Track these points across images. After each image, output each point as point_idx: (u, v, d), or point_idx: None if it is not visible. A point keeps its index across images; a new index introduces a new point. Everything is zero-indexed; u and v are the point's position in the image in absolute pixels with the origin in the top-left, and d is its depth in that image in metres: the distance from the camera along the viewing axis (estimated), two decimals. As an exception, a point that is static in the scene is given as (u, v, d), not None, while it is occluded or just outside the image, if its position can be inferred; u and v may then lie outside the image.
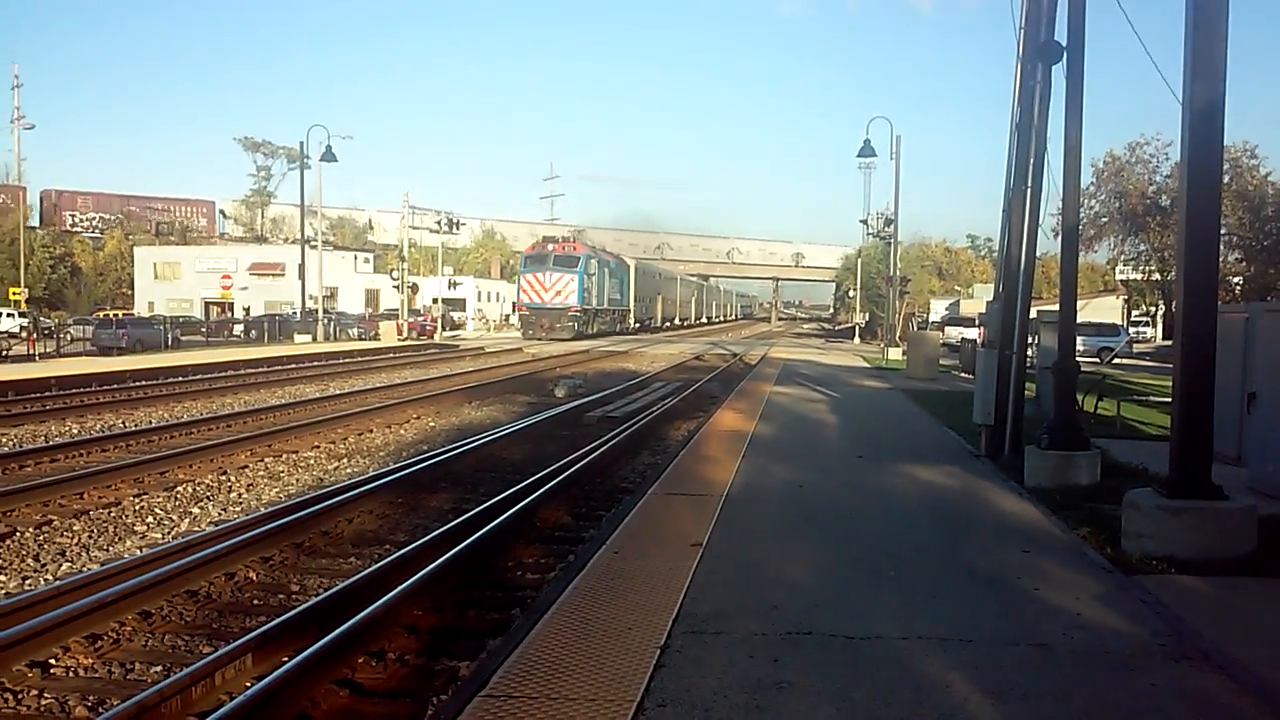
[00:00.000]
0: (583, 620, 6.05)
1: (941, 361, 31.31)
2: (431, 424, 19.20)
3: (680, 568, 7.23)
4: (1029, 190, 12.73)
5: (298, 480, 13.21)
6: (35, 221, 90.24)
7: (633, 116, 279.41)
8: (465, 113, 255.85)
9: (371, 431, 17.77)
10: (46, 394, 22.82)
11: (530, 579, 8.49)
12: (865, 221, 57.23)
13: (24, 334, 43.05)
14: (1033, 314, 14.70)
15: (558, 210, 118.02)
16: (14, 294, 63.92)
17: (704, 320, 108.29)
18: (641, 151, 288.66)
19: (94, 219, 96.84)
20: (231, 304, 73.82)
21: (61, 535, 10.10)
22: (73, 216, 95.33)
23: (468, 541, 8.61)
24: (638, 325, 73.91)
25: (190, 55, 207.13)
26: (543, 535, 9.92)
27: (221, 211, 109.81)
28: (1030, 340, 16.50)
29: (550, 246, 58.67)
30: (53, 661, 6.47)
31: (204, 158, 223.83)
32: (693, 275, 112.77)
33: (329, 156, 50.87)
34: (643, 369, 34.62)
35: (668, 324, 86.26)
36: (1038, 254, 13.75)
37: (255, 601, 7.92)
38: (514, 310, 63.84)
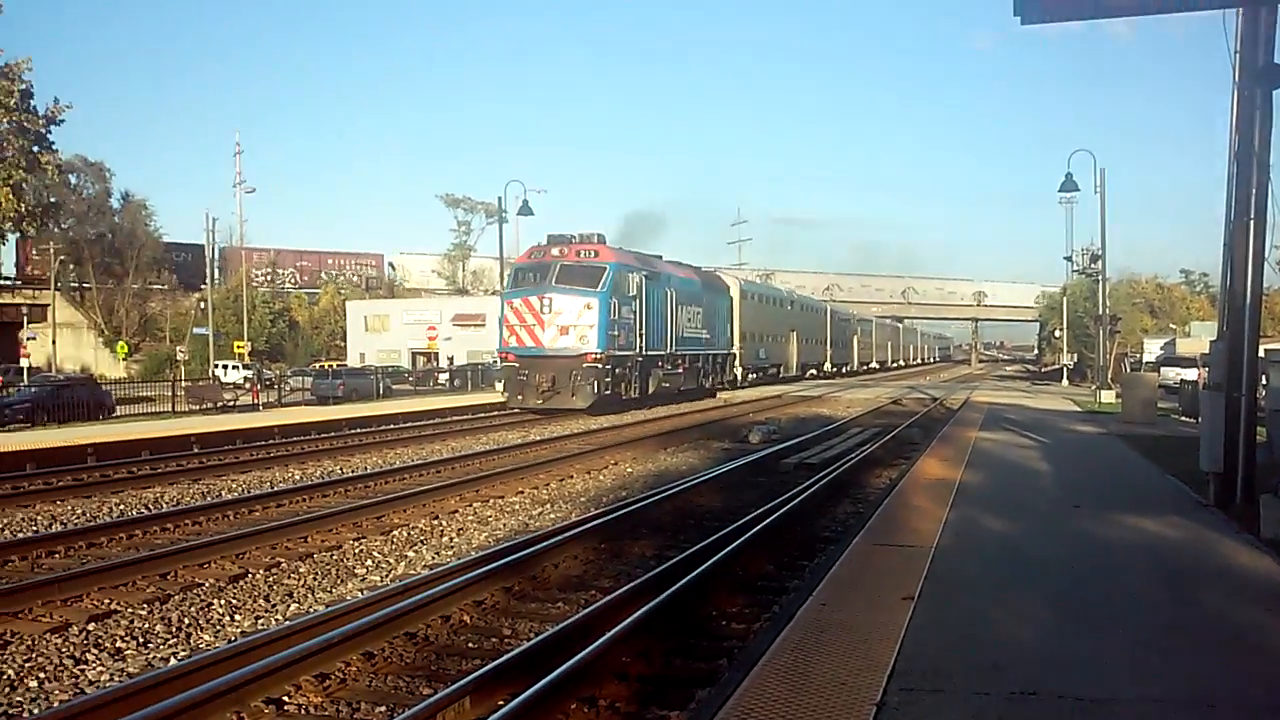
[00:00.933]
0: (794, 673, 5.95)
1: (1159, 404, 29.59)
2: (629, 470, 19.43)
3: (892, 621, 7.03)
4: (1251, 222, 11.98)
5: (504, 525, 13.58)
6: (218, 279, 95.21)
7: (819, 155, 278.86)
8: (656, 159, 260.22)
9: (572, 477, 18.12)
10: (270, 441, 24.32)
11: (735, 629, 8.44)
12: (1069, 258, 55.15)
13: (248, 385, 46.01)
14: (1260, 352, 13.74)
15: (745, 255, 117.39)
16: (239, 348, 68.66)
17: (875, 365, 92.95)
18: (824, 192, 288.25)
19: (269, 273, 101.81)
20: (436, 354, 76.83)
21: (289, 577, 10.68)
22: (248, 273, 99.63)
23: (671, 589, 8.62)
24: (754, 376, 51.94)
25: (354, 109, 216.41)
26: (745, 584, 9.84)
27: (390, 264, 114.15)
28: (1259, 381, 15.42)
29: (556, 250, 34.11)
30: (286, 699, 6.82)
31: (373, 210, 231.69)
32: (887, 317, 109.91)
33: (525, 210, 52.52)
34: (838, 414, 34.12)
35: (813, 371, 66.99)
36: (1263, 289, 12.87)
37: (470, 644, 8.14)
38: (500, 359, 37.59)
